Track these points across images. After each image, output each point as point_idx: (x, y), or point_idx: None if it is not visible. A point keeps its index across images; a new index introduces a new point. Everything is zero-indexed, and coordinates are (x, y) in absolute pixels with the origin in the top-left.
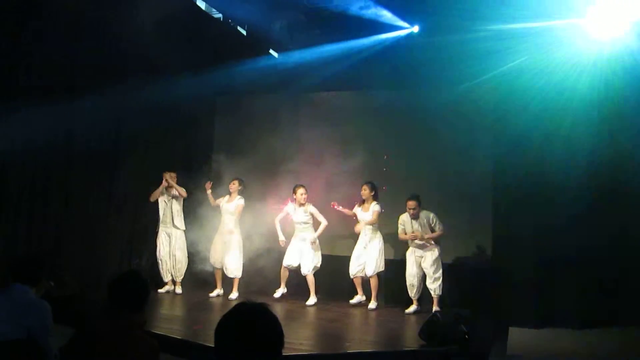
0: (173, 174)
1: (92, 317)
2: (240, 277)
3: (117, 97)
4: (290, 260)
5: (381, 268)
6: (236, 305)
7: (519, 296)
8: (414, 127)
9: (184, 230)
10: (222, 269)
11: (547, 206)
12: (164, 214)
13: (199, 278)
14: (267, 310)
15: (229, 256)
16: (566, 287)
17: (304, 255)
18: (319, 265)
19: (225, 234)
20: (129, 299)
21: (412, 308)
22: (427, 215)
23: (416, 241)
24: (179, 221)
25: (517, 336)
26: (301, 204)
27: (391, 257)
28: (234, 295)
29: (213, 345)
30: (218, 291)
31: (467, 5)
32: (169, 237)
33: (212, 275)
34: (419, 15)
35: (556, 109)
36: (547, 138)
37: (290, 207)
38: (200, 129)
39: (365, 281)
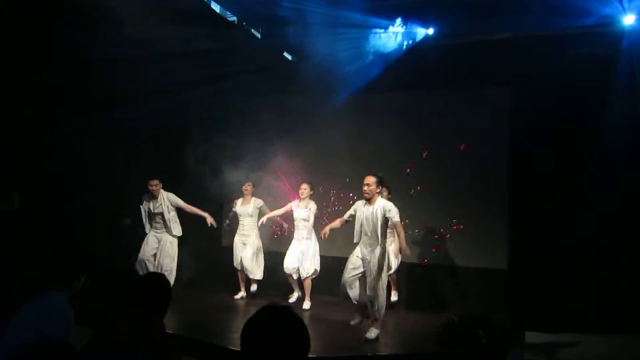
0: (154, 182)
1: (111, 318)
2: (261, 278)
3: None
4: (289, 263)
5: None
6: (262, 308)
7: (536, 299)
8: (429, 127)
9: (178, 237)
10: (243, 271)
11: (567, 206)
12: (154, 220)
13: (219, 279)
14: (293, 313)
15: (250, 259)
16: (585, 291)
17: (304, 259)
18: (318, 269)
19: (244, 237)
20: (151, 301)
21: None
22: (382, 205)
23: (363, 237)
24: (176, 228)
25: (534, 340)
26: (302, 199)
27: (410, 260)
28: (254, 287)
29: (234, 348)
30: (242, 294)
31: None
32: (159, 242)
33: (233, 277)
34: (434, 17)
35: (577, 109)
36: (567, 138)
37: (294, 204)
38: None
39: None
